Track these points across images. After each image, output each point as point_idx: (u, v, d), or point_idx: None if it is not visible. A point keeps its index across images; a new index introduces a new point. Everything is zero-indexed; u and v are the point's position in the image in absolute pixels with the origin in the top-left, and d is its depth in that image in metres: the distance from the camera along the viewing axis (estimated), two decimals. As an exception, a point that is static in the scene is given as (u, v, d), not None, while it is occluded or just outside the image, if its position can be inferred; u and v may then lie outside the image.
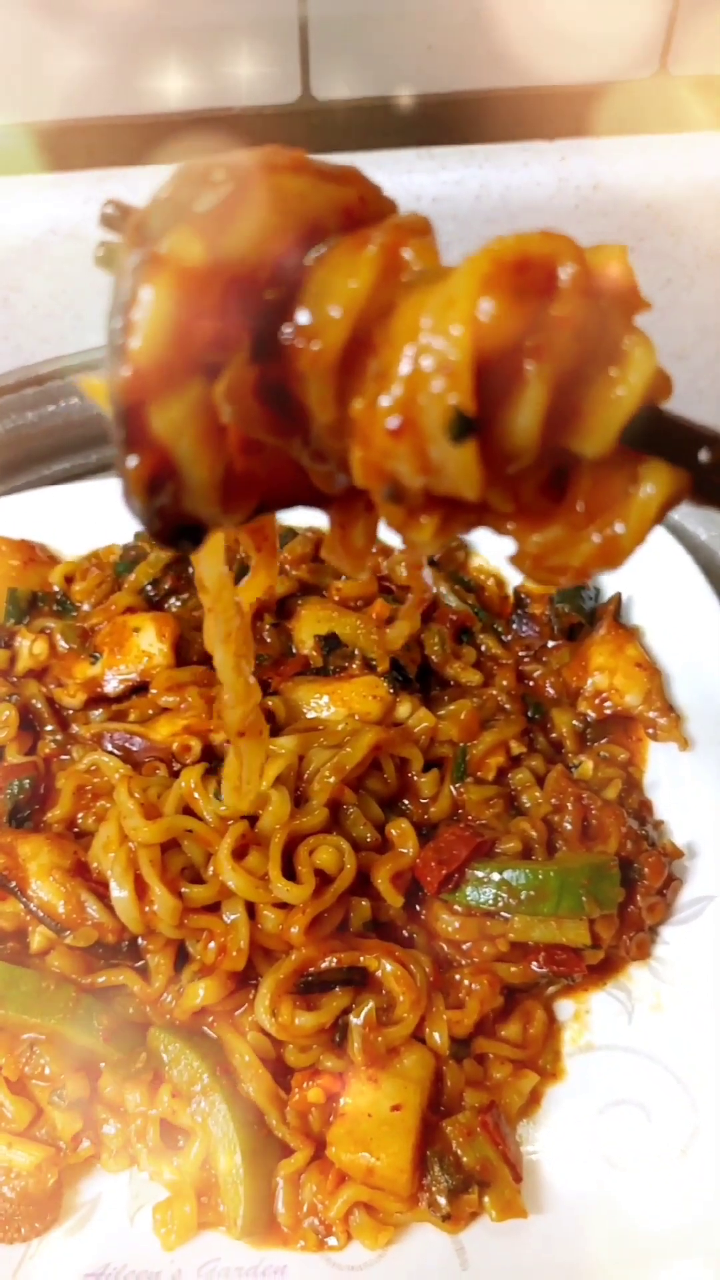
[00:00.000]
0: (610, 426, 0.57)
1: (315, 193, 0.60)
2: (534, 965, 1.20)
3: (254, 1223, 1.07)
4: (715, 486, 0.56)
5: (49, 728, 1.39)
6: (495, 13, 1.70)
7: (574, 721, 1.41)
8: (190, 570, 1.45)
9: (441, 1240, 1.07)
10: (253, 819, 1.18)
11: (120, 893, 1.14)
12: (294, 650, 1.45)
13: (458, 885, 1.21)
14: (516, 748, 1.36)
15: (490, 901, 1.20)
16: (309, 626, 1.44)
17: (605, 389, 0.57)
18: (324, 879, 1.16)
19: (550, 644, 1.50)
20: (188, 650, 1.42)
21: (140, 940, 1.19)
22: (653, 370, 0.56)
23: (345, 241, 0.60)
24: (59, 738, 1.39)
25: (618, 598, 1.49)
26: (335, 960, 1.14)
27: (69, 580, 1.54)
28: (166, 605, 1.51)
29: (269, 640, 1.46)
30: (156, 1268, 1.06)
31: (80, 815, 1.29)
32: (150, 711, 1.37)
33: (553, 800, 1.29)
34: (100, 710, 1.40)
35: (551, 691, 1.45)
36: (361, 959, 1.14)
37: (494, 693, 1.41)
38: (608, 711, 1.41)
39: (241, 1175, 1.07)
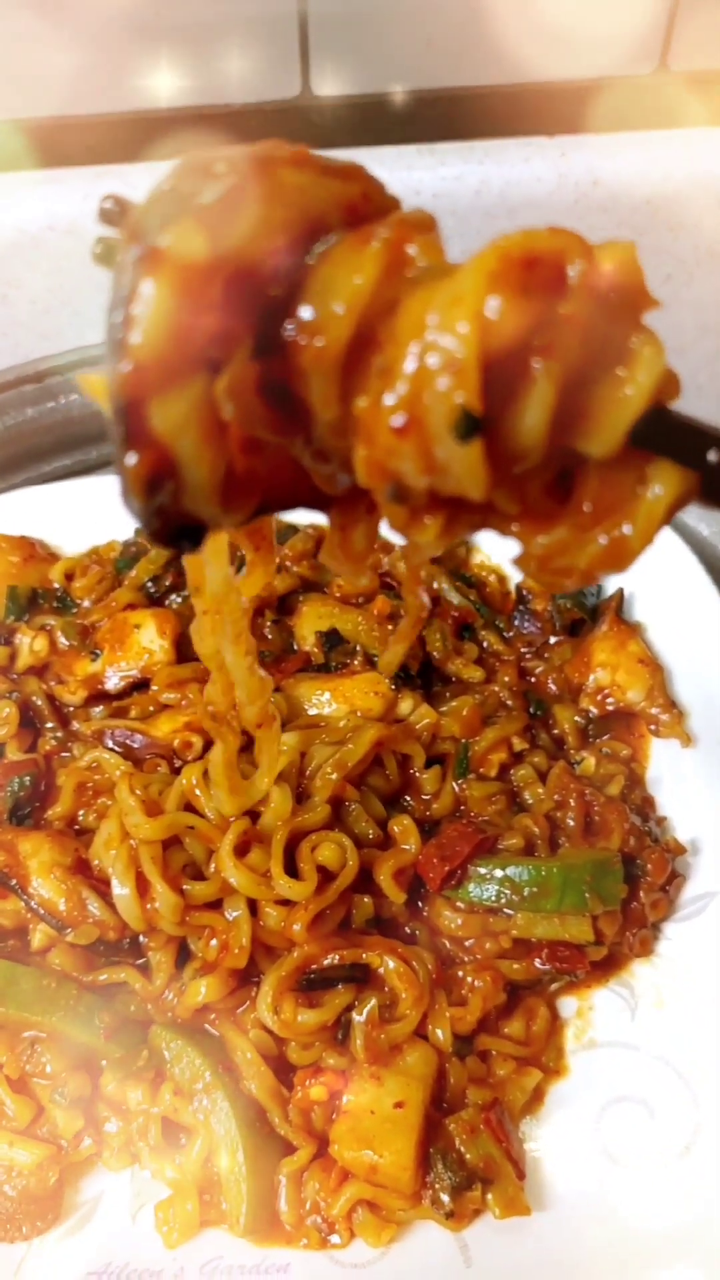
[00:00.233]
0: (618, 426, 0.56)
1: (318, 187, 0.60)
2: (537, 962, 1.20)
3: (256, 1221, 1.07)
4: (724, 487, 0.56)
5: (49, 725, 1.39)
6: (495, 8, 1.69)
7: (576, 718, 1.41)
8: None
9: (445, 1238, 1.07)
10: (254, 815, 1.18)
11: (121, 890, 1.14)
12: (295, 647, 1.45)
13: (460, 882, 1.21)
14: (519, 744, 1.36)
15: (493, 898, 1.20)
16: (310, 623, 1.44)
17: (613, 388, 0.56)
18: (326, 876, 1.16)
19: (552, 640, 1.50)
20: (188, 647, 1.42)
21: (142, 938, 1.18)
22: (662, 369, 0.56)
23: (349, 237, 0.59)
24: (59, 735, 1.38)
25: (620, 594, 1.49)
26: (337, 957, 1.14)
27: (69, 577, 1.54)
28: (167, 602, 1.50)
29: (270, 637, 1.46)
30: (159, 1266, 1.05)
31: (81, 812, 1.28)
32: (151, 708, 1.37)
33: (555, 796, 1.29)
34: (101, 707, 1.40)
35: (553, 688, 1.45)
36: (364, 956, 1.14)
37: (496, 689, 1.41)
38: (610, 708, 1.41)
39: (244, 1173, 1.07)
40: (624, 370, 0.56)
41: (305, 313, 0.59)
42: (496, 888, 1.20)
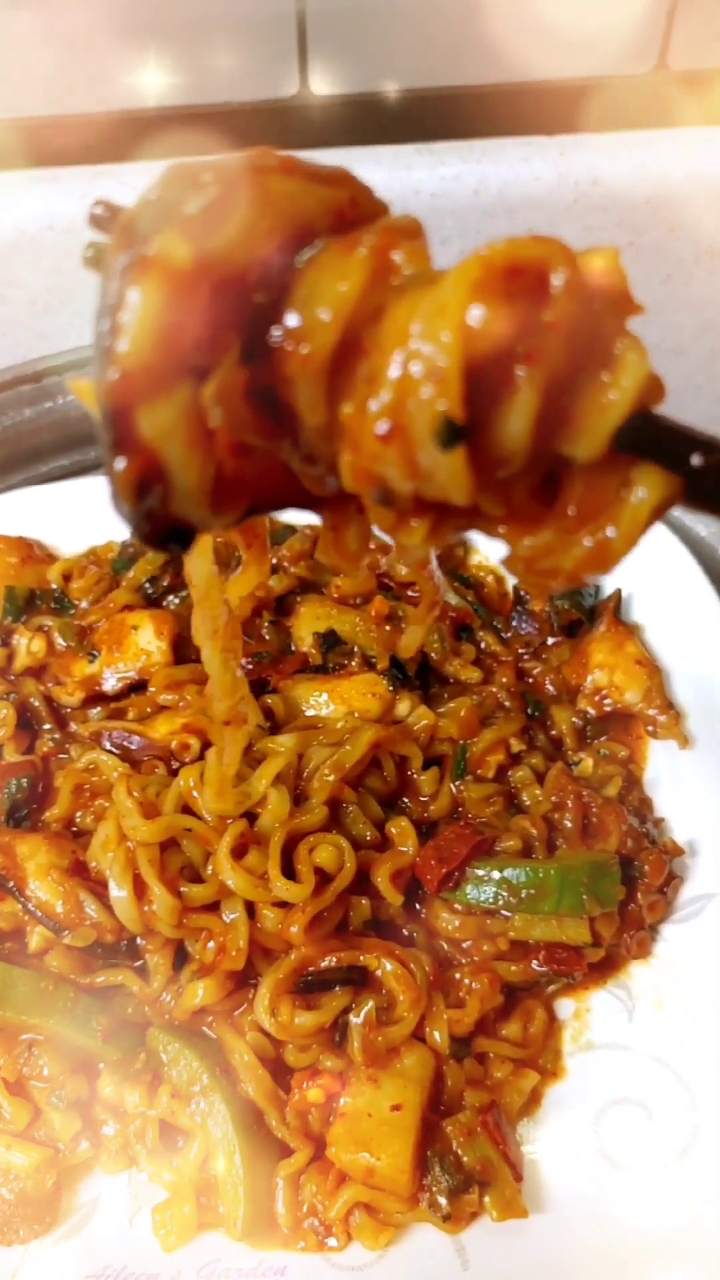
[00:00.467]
0: (602, 431, 0.56)
1: (305, 194, 0.60)
2: (534, 964, 1.20)
3: (254, 1223, 1.07)
4: (707, 491, 0.55)
5: (47, 726, 1.39)
6: (494, 8, 1.69)
7: (574, 719, 1.41)
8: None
9: (442, 1240, 1.07)
10: (252, 817, 1.18)
11: (119, 892, 1.14)
12: (293, 648, 1.45)
13: (458, 884, 1.21)
14: (516, 745, 1.36)
15: (490, 900, 1.20)
16: (308, 624, 1.44)
17: (597, 393, 0.56)
18: (323, 878, 1.16)
19: (550, 641, 1.49)
20: (186, 648, 1.42)
21: (139, 940, 1.18)
22: (645, 374, 0.56)
23: (335, 244, 0.59)
24: (57, 736, 1.38)
25: (618, 594, 1.49)
26: (335, 959, 1.14)
27: (67, 578, 1.54)
28: (165, 603, 1.51)
29: (268, 638, 1.46)
30: (156, 1269, 1.05)
31: (78, 814, 1.28)
32: (149, 710, 1.37)
33: (553, 798, 1.29)
34: (98, 708, 1.40)
35: (551, 689, 1.45)
36: (361, 958, 1.14)
37: (494, 690, 1.41)
38: (608, 709, 1.40)
39: (241, 1176, 1.07)
40: (608, 375, 0.56)
41: (292, 319, 0.59)
42: (494, 889, 1.20)
